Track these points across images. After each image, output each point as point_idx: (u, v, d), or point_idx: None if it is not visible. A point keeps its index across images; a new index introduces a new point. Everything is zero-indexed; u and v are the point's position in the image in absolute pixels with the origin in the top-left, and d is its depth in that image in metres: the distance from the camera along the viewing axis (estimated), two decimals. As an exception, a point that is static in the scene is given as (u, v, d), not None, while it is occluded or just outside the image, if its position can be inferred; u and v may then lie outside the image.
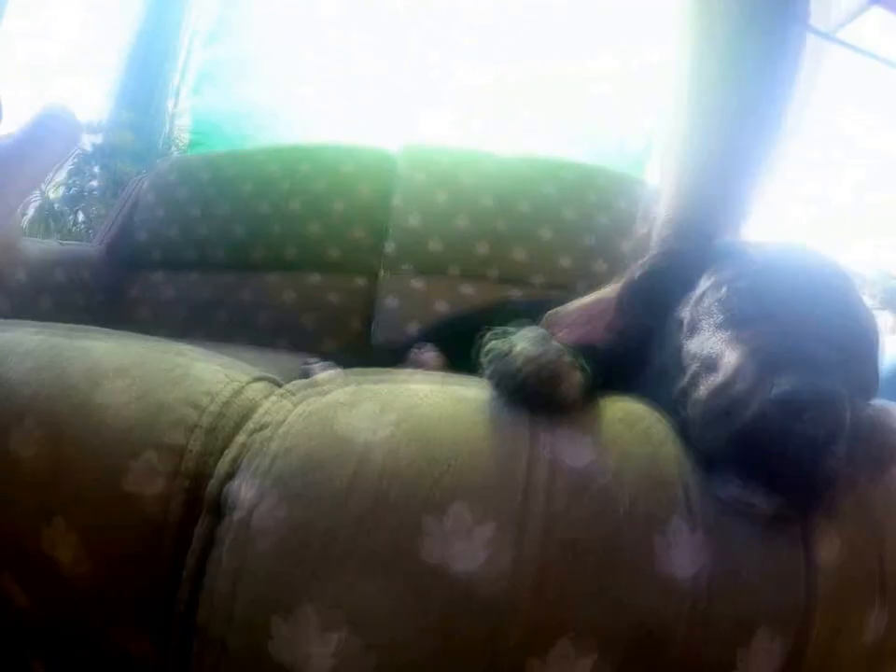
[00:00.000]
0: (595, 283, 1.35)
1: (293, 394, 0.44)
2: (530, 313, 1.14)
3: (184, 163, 1.60)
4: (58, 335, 0.50)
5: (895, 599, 0.41)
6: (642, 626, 0.34)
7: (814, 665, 0.38)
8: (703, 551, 0.36)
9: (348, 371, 0.47)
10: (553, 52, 2.52)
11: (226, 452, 0.41)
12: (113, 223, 1.49)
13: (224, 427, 0.42)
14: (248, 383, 0.46)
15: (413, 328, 1.30)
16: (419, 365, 1.00)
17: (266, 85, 2.31)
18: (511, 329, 0.47)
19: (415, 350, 1.02)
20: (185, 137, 2.29)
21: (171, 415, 0.42)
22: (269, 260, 1.44)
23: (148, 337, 0.53)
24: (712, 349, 0.41)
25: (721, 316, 0.43)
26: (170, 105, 2.10)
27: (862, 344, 0.42)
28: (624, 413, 0.42)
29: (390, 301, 1.36)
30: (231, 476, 0.39)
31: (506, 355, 0.41)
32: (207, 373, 0.46)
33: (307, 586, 0.35)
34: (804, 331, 0.39)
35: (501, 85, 2.54)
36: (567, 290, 1.36)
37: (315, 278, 1.42)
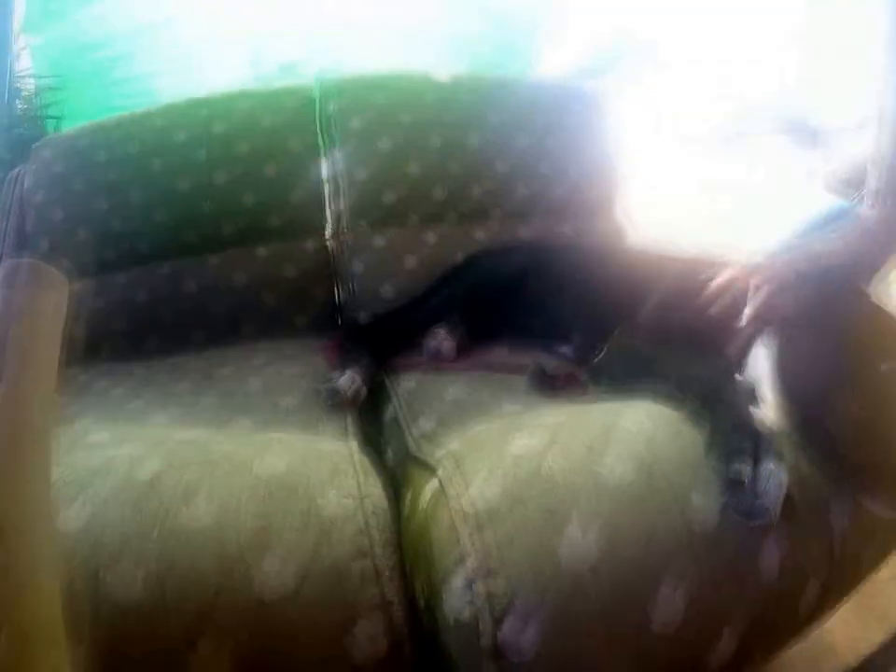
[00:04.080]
0: (552, 210, 1.33)
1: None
2: (500, 266, 1.12)
3: (68, 146, 1.31)
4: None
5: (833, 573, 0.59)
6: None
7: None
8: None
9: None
10: None
11: (444, 599, 0.45)
12: (3, 238, 1.25)
13: (396, 560, 0.48)
14: (371, 495, 0.53)
15: (387, 291, 1.25)
16: (438, 355, 0.98)
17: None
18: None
19: (430, 340, 1.00)
20: (29, 83, 1.89)
21: (352, 575, 0.46)
22: (205, 242, 1.29)
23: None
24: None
25: None
26: (5, 50, 1.68)
27: None
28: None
29: (356, 266, 1.27)
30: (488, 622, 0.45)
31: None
32: (338, 508, 0.51)
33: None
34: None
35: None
36: (525, 220, 1.33)
37: (262, 251, 1.30)
